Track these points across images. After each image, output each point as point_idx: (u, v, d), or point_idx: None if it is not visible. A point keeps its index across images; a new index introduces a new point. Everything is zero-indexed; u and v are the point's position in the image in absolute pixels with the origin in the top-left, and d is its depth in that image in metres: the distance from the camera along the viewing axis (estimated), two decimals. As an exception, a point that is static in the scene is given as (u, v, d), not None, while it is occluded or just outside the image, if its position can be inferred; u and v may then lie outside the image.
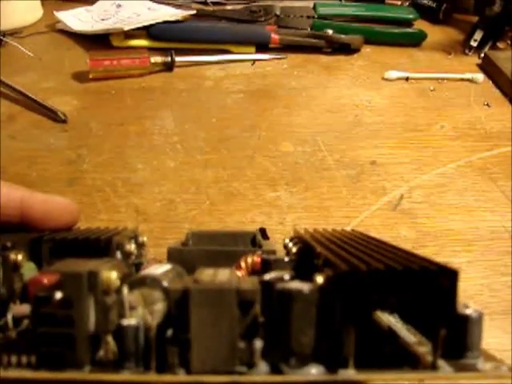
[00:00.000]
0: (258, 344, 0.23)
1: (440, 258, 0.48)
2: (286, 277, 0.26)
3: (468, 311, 0.23)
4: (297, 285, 0.23)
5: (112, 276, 0.23)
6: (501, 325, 0.44)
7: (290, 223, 0.52)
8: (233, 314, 0.23)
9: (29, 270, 0.29)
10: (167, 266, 0.29)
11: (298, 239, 0.37)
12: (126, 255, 0.33)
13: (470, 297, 0.46)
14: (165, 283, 0.25)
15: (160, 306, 0.24)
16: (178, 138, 0.64)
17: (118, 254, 0.32)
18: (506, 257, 0.50)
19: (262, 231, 0.45)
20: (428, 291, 0.22)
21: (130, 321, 0.23)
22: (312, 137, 0.64)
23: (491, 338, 0.42)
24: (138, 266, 0.34)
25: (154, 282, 0.25)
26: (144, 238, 0.37)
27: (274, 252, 0.37)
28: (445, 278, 0.22)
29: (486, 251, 0.50)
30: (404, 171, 0.59)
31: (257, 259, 0.33)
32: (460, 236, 0.52)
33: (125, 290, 0.24)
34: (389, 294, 0.22)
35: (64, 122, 0.66)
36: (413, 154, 0.62)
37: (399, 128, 0.66)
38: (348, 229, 0.46)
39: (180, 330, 0.23)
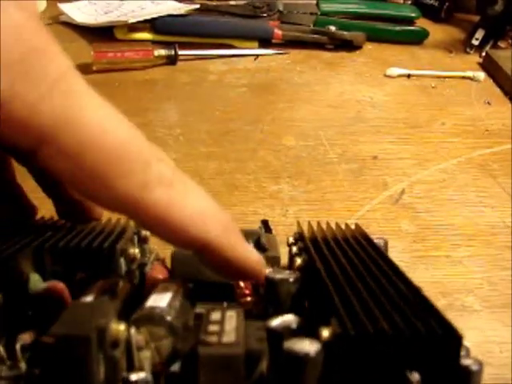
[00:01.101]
0: None
1: (441, 252, 0.48)
2: (293, 325, 0.26)
3: (468, 362, 0.24)
4: (303, 346, 0.23)
5: (120, 328, 0.24)
6: (500, 318, 0.44)
7: (292, 215, 0.52)
8: (240, 375, 0.23)
9: (34, 283, 0.29)
10: (170, 292, 0.29)
11: (301, 242, 0.37)
12: (130, 260, 0.33)
13: (470, 290, 0.46)
14: (169, 318, 0.25)
15: (166, 342, 0.25)
16: (181, 131, 0.64)
17: (122, 261, 0.32)
18: (505, 251, 0.50)
19: (265, 223, 0.45)
20: (432, 352, 0.23)
21: (138, 375, 0.23)
22: (314, 131, 0.65)
23: (491, 331, 0.43)
24: (142, 267, 0.34)
25: (160, 319, 0.25)
26: (147, 233, 0.38)
27: (277, 259, 0.38)
28: (450, 342, 0.23)
29: (486, 246, 0.51)
30: (405, 166, 0.60)
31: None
32: (460, 231, 0.52)
33: (132, 330, 0.24)
34: (394, 357, 0.23)
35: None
36: (414, 149, 0.63)
37: (401, 124, 0.67)
38: (350, 222, 0.47)
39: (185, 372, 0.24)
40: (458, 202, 0.56)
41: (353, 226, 0.40)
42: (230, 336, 0.24)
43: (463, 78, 0.77)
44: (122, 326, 0.24)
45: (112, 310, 0.25)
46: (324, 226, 0.40)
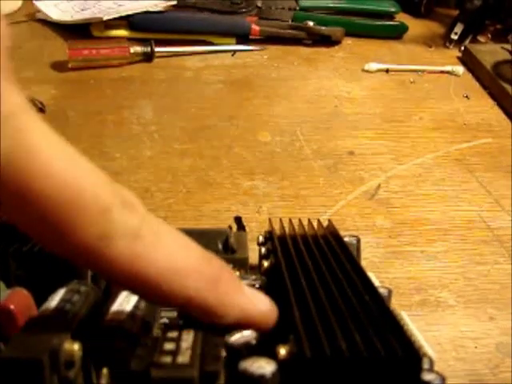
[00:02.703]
0: None
1: (416, 248, 0.48)
2: (253, 341, 0.26)
3: (430, 377, 0.23)
4: (259, 366, 0.23)
5: (75, 348, 0.23)
6: (475, 313, 0.44)
7: (266, 212, 0.52)
8: None
9: (-2, 290, 0.28)
10: (135, 298, 0.28)
11: (270, 242, 0.37)
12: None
13: (445, 285, 0.46)
14: (130, 330, 0.25)
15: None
16: (156, 128, 0.63)
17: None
18: (481, 246, 0.50)
19: (238, 220, 0.44)
20: (392, 373, 0.22)
21: None
22: (290, 127, 0.64)
23: (466, 326, 0.42)
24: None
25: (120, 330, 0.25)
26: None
27: (245, 261, 0.37)
28: (410, 363, 0.22)
29: (462, 240, 0.50)
30: (382, 161, 0.59)
31: None
32: (436, 225, 0.52)
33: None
34: (353, 379, 0.22)
35: (42, 111, 0.65)
36: (391, 144, 0.62)
37: (378, 119, 0.66)
38: (325, 218, 0.46)
39: None
40: (434, 196, 0.55)
41: (326, 223, 0.39)
42: (184, 356, 0.24)
43: (442, 72, 0.77)
44: (76, 346, 0.23)
45: (67, 329, 0.24)
46: (296, 224, 0.40)
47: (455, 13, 0.87)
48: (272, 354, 0.23)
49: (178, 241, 0.25)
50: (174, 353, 0.24)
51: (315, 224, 0.40)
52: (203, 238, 0.39)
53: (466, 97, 0.71)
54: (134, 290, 0.25)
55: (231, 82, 0.73)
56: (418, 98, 0.71)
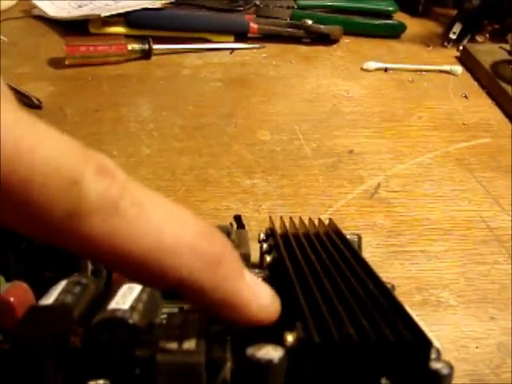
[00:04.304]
0: None
1: (416, 247, 0.48)
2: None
3: (438, 366, 0.23)
4: (267, 352, 0.22)
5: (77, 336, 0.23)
6: (476, 313, 0.43)
7: (265, 211, 0.51)
8: (201, 382, 0.23)
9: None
10: (136, 291, 0.27)
11: (272, 238, 0.37)
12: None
13: (445, 285, 0.46)
14: (131, 321, 0.24)
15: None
16: (154, 125, 0.63)
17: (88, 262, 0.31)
18: (481, 246, 0.50)
19: (238, 218, 0.44)
20: (401, 358, 0.22)
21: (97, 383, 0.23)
22: (289, 125, 0.64)
23: (466, 327, 0.42)
24: (109, 274, 0.33)
25: (122, 323, 0.24)
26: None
27: (247, 257, 0.37)
28: (419, 348, 0.22)
29: (462, 240, 0.50)
30: (381, 160, 0.59)
31: None
32: (436, 225, 0.52)
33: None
34: (361, 364, 0.22)
35: (39, 108, 0.65)
36: (390, 143, 0.62)
37: (377, 118, 0.66)
38: (325, 217, 0.46)
39: None
40: (433, 196, 0.55)
41: (327, 222, 0.39)
42: (190, 342, 0.23)
43: (440, 71, 0.77)
44: (79, 331, 0.23)
45: (71, 315, 0.24)
46: (297, 222, 0.40)
47: (453, 12, 0.87)
48: (279, 342, 0.23)
49: (168, 213, 0.21)
50: (180, 339, 0.24)
51: (316, 222, 0.40)
52: None
53: (465, 96, 0.71)
54: (118, 270, 0.23)
55: (229, 79, 0.73)
56: (417, 97, 0.71)
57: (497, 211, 0.53)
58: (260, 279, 0.25)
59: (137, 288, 0.28)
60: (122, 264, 0.21)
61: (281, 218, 0.40)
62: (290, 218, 0.40)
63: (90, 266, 0.31)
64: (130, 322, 0.24)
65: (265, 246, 0.37)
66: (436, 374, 0.23)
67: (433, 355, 0.23)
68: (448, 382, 0.23)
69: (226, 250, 0.23)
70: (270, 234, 0.38)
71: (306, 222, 0.39)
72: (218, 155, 0.58)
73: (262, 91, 0.70)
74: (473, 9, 0.82)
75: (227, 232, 0.40)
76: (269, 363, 0.22)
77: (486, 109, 0.69)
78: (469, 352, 0.40)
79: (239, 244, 0.38)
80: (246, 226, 0.44)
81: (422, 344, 0.22)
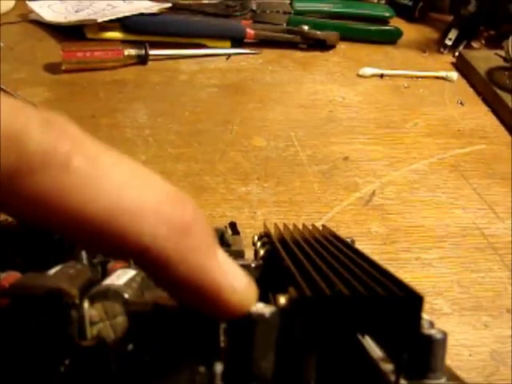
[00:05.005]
0: (219, 368, 0.23)
1: (411, 255, 0.48)
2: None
3: (432, 332, 0.23)
4: (258, 308, 0.22)
5: (72, 294, 0.23)
6: (470, 321, 0.44)
7: (260, 218, 0.52)
8: (193, 337, 0.22)
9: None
10: (131, 273, 0.28)
11: (266, 238, 0.37)
12: (92, 253, 0.32)
13: (439, 293, 0.46)
14: (126, 295, 0.24)
15: (121, 320, 0.24)
16: (150, 132, 0.63)
17: (84, 254, 0.31)
18: (476, 253, 0.50)
19: (233, 225, 0.44)
20: (392, 315, 0.22)
21: (87, 342, 0.22)
22: (285, 132, 0.64)
23: (460, 334, 0.42)
24: (104, 264, 0.33)
25: (116, 295, 0.24)
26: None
27: (242, 253, 0.37)
28: (410, 304, 0.22)
29: (457, 248, 0.50)
30: (376, 167, 0.59)
31: None
32: (431, 232, 0.52)
33: (85, 304, 0.23)
34: (352, 318, 0.22)
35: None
36: (386, 150, 0.62)
37: (373, 124, 0.66)
38: (319, 224, 0.46)
39: (141, 352, 0.22)
40: (428, 203, 0.55)
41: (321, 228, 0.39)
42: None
43: (436, 78, 0.77)
44: (73, 292, 0.23)
45: (65, 279, 0.24)
46: (291, 228, 0.40)
47: (449, 18, 0.87)
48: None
49: (129, 172, 0.19)
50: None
51: (310, 227, 0.40)
52: None
53: (461, 103, 0.72)
54: (72, 237, 0.19)
55: (226, 85, 0.73)
56: (413, 103, 0.71)
57: (491, 218, 0.54)
58: (235, 263, 0.22)
59: (132, 272, 0.28)
60: (76, 229, 0.18)
61: (275, 224, 0.40)
62: (284, 224, 0.40)
63: (85, 261, 0.31)
64: (125, 295, 0.24)
65: (259, 244, 0.37)
66: (429, 338, 0.23)
67: (426, 325, 0.23)
68: (442, 348, 0.23)
69: (198, 220, 0.20)
70: (264, 235, 0.38)
71: (300, 227, 0.40)
72: (213, 162, 0.59)
73: (258, 97, 0.70)
74: (469, 15, 0.83)
75: (222, 232, 0.40)
76: (260, 317, 0.22)
77: (481, 115, 0.69)
78: (462, 360, 0.40)
79: (233, 243, 0.39)
80: (242, 234, 0.44)
81: (414, 298, 0.22)
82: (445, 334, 0.23)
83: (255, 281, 0.24)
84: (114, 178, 0.18)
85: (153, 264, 0.19)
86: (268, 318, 0.22)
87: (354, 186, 0.56)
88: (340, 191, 0.56)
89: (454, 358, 0.40)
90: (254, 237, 0.39)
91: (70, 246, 0.30)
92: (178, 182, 0.55)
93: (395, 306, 0.22)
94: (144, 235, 0.18)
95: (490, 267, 0.48)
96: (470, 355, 0.41)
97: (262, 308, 0.22)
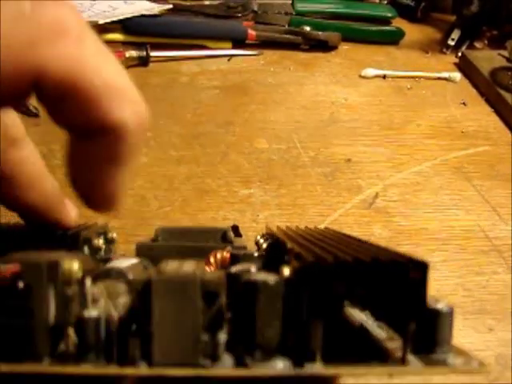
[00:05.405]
0: (223, 337, 0.23)
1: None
2: (253, 269, 0.26)
3: (439, 305, 0.23)
4: (262, 276, 0.22)
5: (73, 267, 0.22)
6: (474, 324, 0.43)
7: (263, 221, 0.51)
8: (196, 305, 0.22)
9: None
10: (134, 260, 0.28)
11: (269, 236, 0.37)
12: (94, 250, 0.32)
13: (443, 296, 0.45)
14: (130, 276, 0.24)
15: (124, 300, 0.24)
16: (152, 134, 0.62)
17: (86, 249, 0.31)
18: (480, 256, 0.49)
19: (235, 228, 0.44)
20: (397, 284, 0.22)
21: (91, 312, 0.22)
22: (287, 134, 0.64)
23: (464, 338, 0.42)
24: (106, 262, 0.33)
25: (118, 274, 0.24)
26: (113, 234, 0.37)
27: (244, 248, 0.37)
28: (415, 271, 0.22)
29: (461, 250, 0.50)
30: (379, 169, 0.59)
31: (226, 254, 0.32)
32: (435, 235, 0.51)
33: (88, 281, 0.23)
34: (356, 286, 0.22)
35: (36, 116, 0.65)
36: (389, 152, 0.62)
37: (375, 126, 0.66)
38: (321, 227, 0.46)
39: (142, 321, 0.22)
40: (432, 205, 0.55)
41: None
42: (187, 269, 0.24)
43: (439, 78, 0.77)
44: (75, 265, 0.23)
45: (70, 255, 0.24)
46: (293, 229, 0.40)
47: (452, 18, 0.87)
48: None
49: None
50: (176, 270, 0.24)
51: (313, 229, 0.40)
52: (203, 234, 0.40)
53: (464, 104, 0.71)
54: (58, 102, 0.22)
55: (227, 87, 0.72)
56: (416, 104, 0.71)
57: (496, 221, 0.53)
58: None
59: (133, 259, 0.29)
60: (73, 95, 0.21)
61: (278, 227, 0.40)
62: (287, 227, 0.40)
63: (87, 252, 0.31)
64: (130, 276, 0.24)
65: (261, 240, 0.37)
66: (436, 312, 0.23)
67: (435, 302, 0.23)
68: (449, 322, 0.23)
69: (144, 120, 0.25)
70: (267, 234, 0.38)
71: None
72: (215, 164, 0.58)
73: (259, 99, 0.70)
74: (471, 15, 0.82)
75: (224, 232, 0.40)
76: (264, 284, 0.22)
77: (484, 116, 0.69)
78: (467, 364, 0.40)
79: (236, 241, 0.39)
80: (244, 237, 0.44)
81: (419, 264, 0.22)
82: (451, 308, 0.23)
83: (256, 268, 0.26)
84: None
85: (109, 131, 0.23)
86: (272, 285, 0.22)
87: (356, 188, 0.56)
88: (343, 193, 0.55)
89: (459, 362, 0.40)
90: (256, 236, 0.39)
91: (72, 242, 0.29)
92: (180, 185, 0.55)
93: (400, 273, 0.21)
94: (114, 109, 0.22)
95: (494, 270, 0.48)
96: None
97: (266, 276, 0.22)
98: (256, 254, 0.32)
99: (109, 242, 0.36)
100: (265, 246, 0.34)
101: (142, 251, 0.35)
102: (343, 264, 0.22)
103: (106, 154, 0.24)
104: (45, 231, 0.30)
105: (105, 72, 0.22)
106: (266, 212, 0.53)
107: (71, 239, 0.29)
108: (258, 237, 0.39)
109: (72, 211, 0.31)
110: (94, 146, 0.23)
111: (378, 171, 0.59)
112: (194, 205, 0.53)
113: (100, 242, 0.32)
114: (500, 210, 0.54)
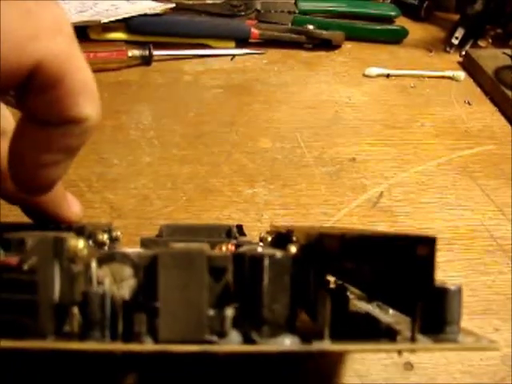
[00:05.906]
0: (230, 312, 0.22)
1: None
2: (259, 249, 0.26)
3: (446, 284, 0.23)
4: (269, 251, 0.22)
5: (79, 244, 0.23)
6: (480, 324, 0.43)
7: (267, 220, 0.51)
8: (203, 280, 0.22)
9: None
10: (139, 250, 0.28)
11: (274, 232, 0.36)
12: (99, 245, 0.32)
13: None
14: (135, 259, 0.24)
15: (129, 283, 0.24)
16: (155, 133, 0.62)
17: (91, 243, 0.31)
18: (485, 256, 0.49)
19: (239, 228, 0.44)
20: (404, 260, 0.21)
21: (96, 288, 0.22)
22: (291, 133, 0.63)
23: (470, 338, 0.42)
24: None
25: (123, 257, 0.24)
26: (118, 233, 0.37)
27: (249, 242, 0.37)
28: (422, 246, 0.21)
29: (466, 250, 0.50)
30: (384, 169, 0.59)
31: (231, 247, 0.32)
32: (440, 234, 0.51)
33: (93, 263, 0.23)
34: (362, 261, 0.21)
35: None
36: (393, 151, 0.61)
37: (379, 125, 0.66)
38: (326, 226, 0.46)
39: (148, 297, 0.22)
40: (437, 204, 0.54)
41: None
42: (193, 246, 0.24)
43: (443, 77, 0.76)
44: (80, 243, 0.23)
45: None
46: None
47: (455, 17, 0.87)
48: None
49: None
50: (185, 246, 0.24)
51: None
52: (208, 230, 0.40)
53: (468, 103, 0.71)
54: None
55: (230, 86, 0.72)
56: (420, 103, 0.70)
57: (501, 220, 0.53)
58: None
59: (139, 249, 0.29)
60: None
61: (281, 226, 0.40)
62: (292, 225, 0.40)
63: (91, 244, 0.31)
64: (133, 258, 0.24)
65: (266, 235, 0.37)
66: (444, 291, 0.22)
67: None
68: (457, 301, 0.23)
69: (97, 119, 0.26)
70: (272, 231, 0.38)
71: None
72: (219, 164, 0.58)
73: (263, 98, 0.70)
74: (475, 14, 0.82)
75: (229, 228, 0.41)
76: (271, 258, 0.22)
77: (489, 115, 0.69)
78: (473, 365, 0.40)
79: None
80: (248, 236, 0.43)
81: (426, 238, 0.21)
82: (459, 286, 0.22)
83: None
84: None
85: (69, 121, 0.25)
86: (279, 259, 0.22)
87: (361, 187, 0.56)
88: (347, 193, 0.55)
89: (465, 363, 0.40)
90: (261, 233, 0.39)
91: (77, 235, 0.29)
92: (183, 185, 0.55)
93: (406, 248, 0.21)
94: (87, 104, 0.25)
95: (499, 270, 0.48)
96: (481, 360, 0.40)
97: (273, 251, 0.22)
98: (261, 246, 0.32)
99: (113, 240, 0.35)
100: (269, 239, 0.34)
101: (147, 246, 0.35)
102: (350, 240, 0.22)
103: (63, 142, 0.26)
104: (49, 226, 0.30)
105: (86, 71, 0.25)
106: (270, 211, 0.52)
107: (76, 232, 0.29)
108: (263, 233, 0.39)
109: (75, 206, 0.33)
110: (52, 134, 0.25)
111: (382, 170, 0.58)
112: (197, 204, 0.53)
113: (104, 237, 0.32)
114: (505, 209, 0.54)
